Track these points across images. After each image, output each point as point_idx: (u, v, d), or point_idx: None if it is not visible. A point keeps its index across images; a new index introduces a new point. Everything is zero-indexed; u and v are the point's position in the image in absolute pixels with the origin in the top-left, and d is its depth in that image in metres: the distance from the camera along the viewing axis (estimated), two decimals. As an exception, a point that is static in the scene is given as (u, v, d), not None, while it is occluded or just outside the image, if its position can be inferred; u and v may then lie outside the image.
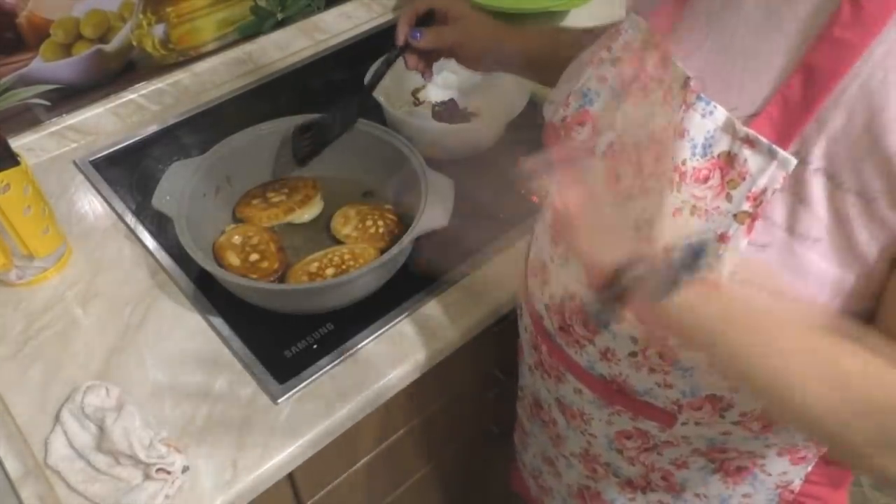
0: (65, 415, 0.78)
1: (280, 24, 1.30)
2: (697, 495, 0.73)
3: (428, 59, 0.92)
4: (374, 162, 1.00)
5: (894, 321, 0.53)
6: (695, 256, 0.49)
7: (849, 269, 0.52)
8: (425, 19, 0.91)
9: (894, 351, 0.48)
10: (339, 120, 0.97)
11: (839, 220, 0.51)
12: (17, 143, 1.07)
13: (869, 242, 0.51)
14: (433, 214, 0.88)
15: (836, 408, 0.48)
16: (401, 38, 0.90)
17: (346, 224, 0.97)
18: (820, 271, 0.53)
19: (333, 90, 1.24)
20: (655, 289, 0.50)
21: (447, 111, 1.15)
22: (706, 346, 0.52)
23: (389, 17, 1.41)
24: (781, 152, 0.51)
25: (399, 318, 0.89)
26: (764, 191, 0.52)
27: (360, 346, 0.87)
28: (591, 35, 0.86)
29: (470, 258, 0.96)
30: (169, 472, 0.74)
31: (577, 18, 1.34)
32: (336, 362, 0.85)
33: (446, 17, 0.90)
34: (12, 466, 0.76)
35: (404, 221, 0.97)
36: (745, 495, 0.73)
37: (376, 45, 1.30)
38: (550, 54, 0.87)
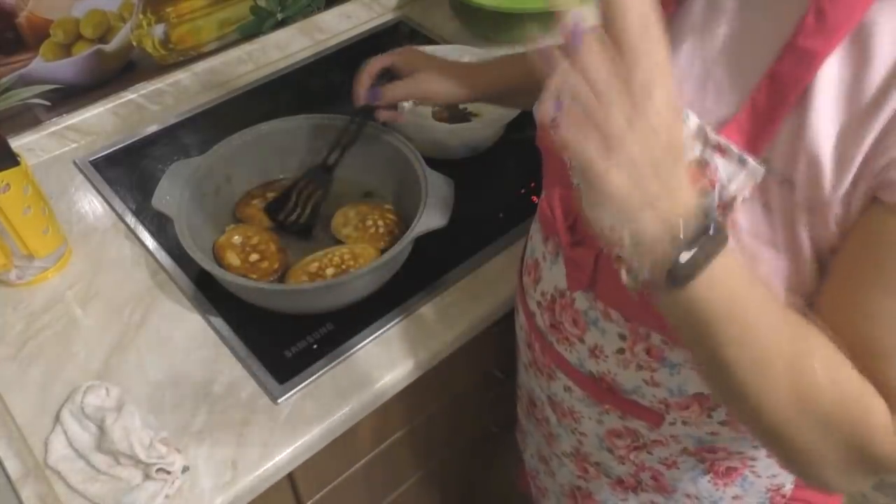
0: (65, 415, 0.78)
1: (280, 24, 1.30)
2: (688, 496, 0.74)
3: (396, 107, 0.95)
4: (374, 162, 1.00)
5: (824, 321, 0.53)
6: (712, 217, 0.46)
7: (803, 275, 0.53)
8: (385, 72, 0.92)
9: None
10: (318, 180, 0.97)
11: (791, 225, 0.52)
12: (17, 143, 1.07)
13: (809, 248, 0.52)
14: (433, 214, 0.88)
15: (791, 419, 0.49)
16: (360, 100, 0.92)
17: (346, 224, 0.97)
18: (781, 278, 0.54)
19: (333, 90, 1.24)
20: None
21: (447, 111, 1.15)
22: (700, 336, 0.50)
23: (389, 17, 1.41)
24: (751, 161, 0.52)
25: (399, 318, 0.89)
26: (734, 198, 0.53)
27: (360, 345, 0.87)
28: None
29: (469, 258, 0.96)
30: (169, 472, 0.74)
31: (577, 18, 1.34)
32: (336, 362, 0.85)
33: (402, 70, 0.92)
34: (12, 466, 0.76)
35: (404, 221, 0.97)
36: (735, 497, 0.73)
37: (376, 45, 1.31)
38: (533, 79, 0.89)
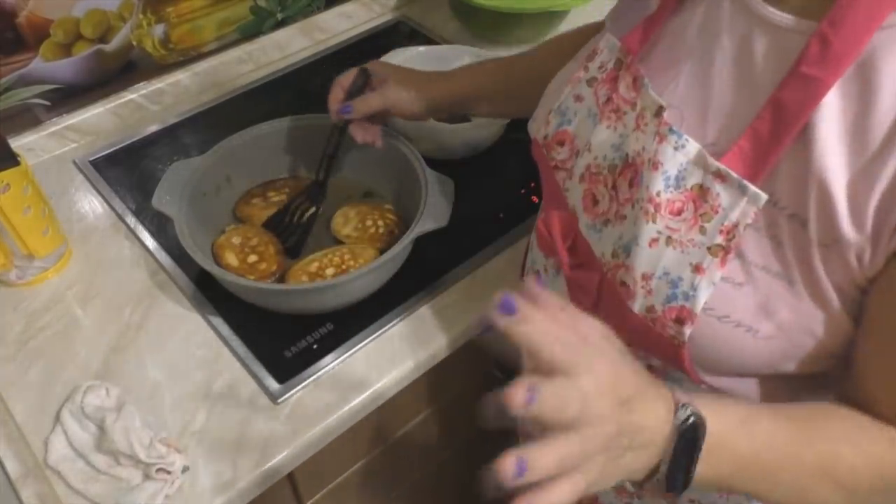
0: (65, 415, 0.78)
1: (280, 24, 1.30)
2: (692, 501, 0.73)
3: (373, 126, 0.93)
4: (374, 162, 1.00)
5: (873, 386, 0.54)
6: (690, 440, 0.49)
7: (820, 311, 0.53)
8: (361, 86, 0.91)
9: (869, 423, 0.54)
10: (314, 198, 0.97)
11: (806, 261, 0.52)
12: (17, 143, 1.07)
13: (828, 282, 0.52)
14: (433, 214, 0.88)
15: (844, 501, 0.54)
16: (333, 115, 0.91)
17: (346, 224, 0.97)
18: (797, 312, 0.53)
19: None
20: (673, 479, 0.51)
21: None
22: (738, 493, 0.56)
23: (389, 17, 1.41)
24: (751, 188, 0.52)
25: (399, 318, 0.89)
26: (736, 225, 0.53)
27: (359, 346, 0.87)
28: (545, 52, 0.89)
29: (469, 258, 0.96)
30: (169, 472, 0.74)
31: (578, 18, 1.34)
32: (336, 362, 0.85)
33: (374, 79, 0.91)
34: (12, 466, 0.76)
35: (404, 221, 0.97)
36: None
37: (376, 45, 1.31)
38: (504, 84, 0.89)
